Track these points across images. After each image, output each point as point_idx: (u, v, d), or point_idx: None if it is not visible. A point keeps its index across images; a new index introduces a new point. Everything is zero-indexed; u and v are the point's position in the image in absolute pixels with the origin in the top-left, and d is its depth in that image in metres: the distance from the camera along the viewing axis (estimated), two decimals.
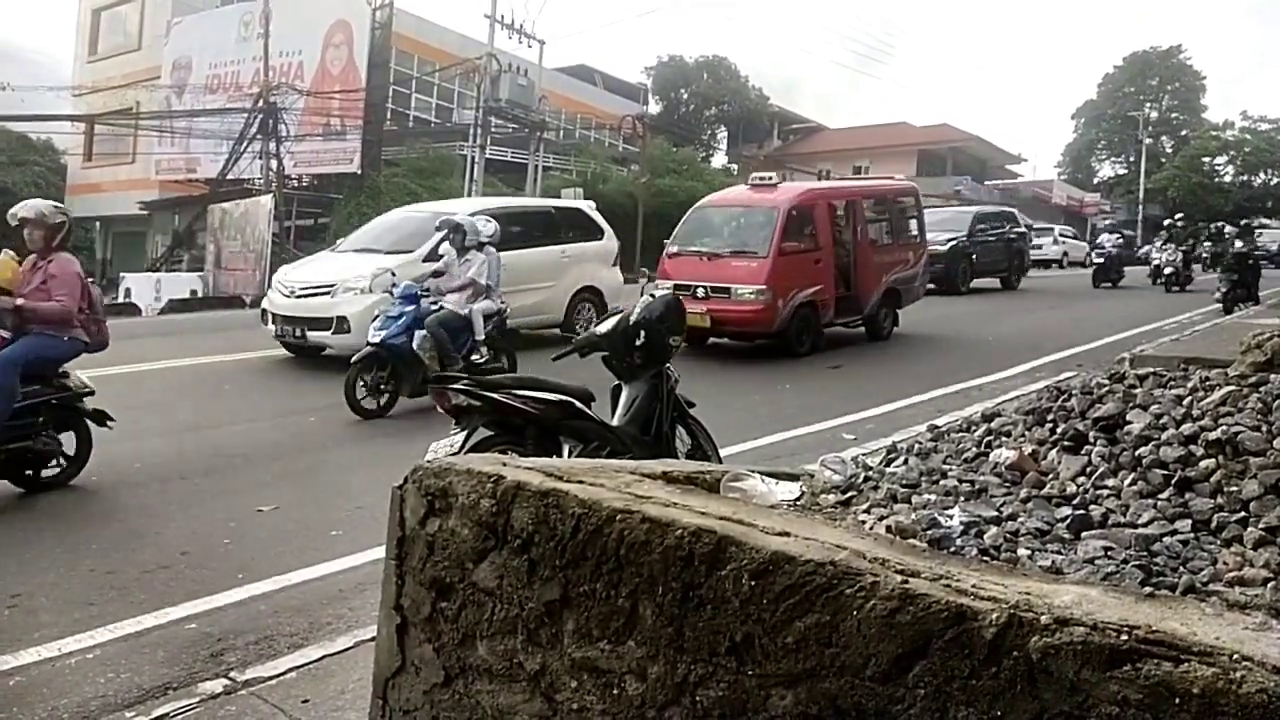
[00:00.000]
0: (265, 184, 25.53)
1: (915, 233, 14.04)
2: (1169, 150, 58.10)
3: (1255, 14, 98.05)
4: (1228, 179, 54.68)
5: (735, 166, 48.60)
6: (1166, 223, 23.48)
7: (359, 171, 25.84)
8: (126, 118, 30.12)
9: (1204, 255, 26.89)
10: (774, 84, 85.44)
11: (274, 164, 25.46)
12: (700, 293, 10.71)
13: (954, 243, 19.98)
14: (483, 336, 8.47)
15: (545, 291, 11.58)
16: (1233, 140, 54.84)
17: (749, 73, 53.74)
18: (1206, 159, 54.04)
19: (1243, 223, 28.20)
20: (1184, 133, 58.67)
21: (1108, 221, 27.40)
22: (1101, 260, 22.64)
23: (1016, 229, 22.69)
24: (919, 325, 13.50)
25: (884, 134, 48.41)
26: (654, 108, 47.27)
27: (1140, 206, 50.26)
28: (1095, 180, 61.67)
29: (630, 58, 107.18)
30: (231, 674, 3.36)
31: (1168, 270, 20.62)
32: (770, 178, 12.72)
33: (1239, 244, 23.43)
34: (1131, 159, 57.10)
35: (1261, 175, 55.02)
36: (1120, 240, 23.48)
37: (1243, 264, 15.56)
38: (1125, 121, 56.75)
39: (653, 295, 4.99)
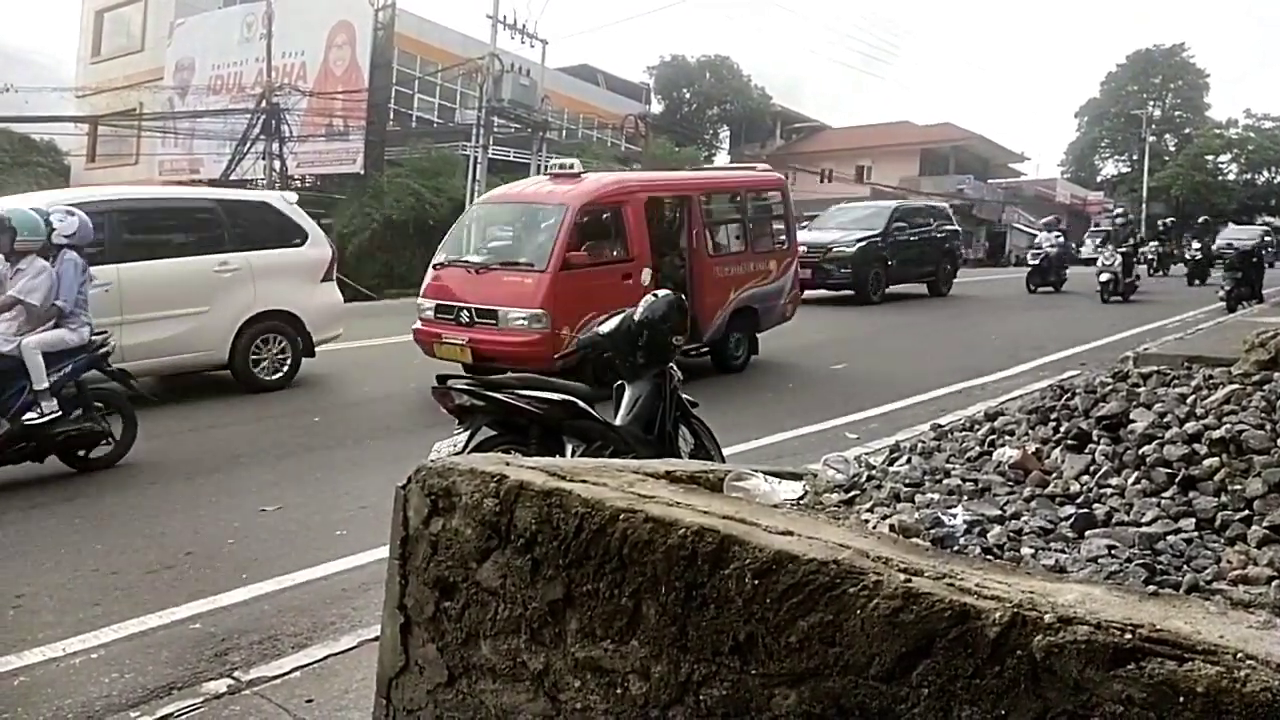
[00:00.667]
0: (268, 185, 25.55)
1: (782, 237, 11.20)
2: (1172, 149, 58.10)
3: (1255, 14, 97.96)
4: (1231, 177, 54.68)
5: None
6: (1119, 219, 20.41)
7: (362, 172, 25.88)
8: (130, 119, 30.18)
9: (1150, 257, 23.20)
10: (776, 83, 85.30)
11: (277, 165, 25.49)
12: (464, 317, 8.47)
13: (865, 243, 17.30)
14: (46, 384, 5.82)
15: (191, 319, 8.35)
16: (1236, 138, 54.85)
17: (751, 72, 53.66)
18: (1210, 157, 54.09)
19: (1202, 219, 26.84)
20: (1187, 131, 58.63)
21: (1043, 220, 24.14)
22: (1037, 262, 19.93)
23: (946, 226, 19.96)
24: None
25: (887, 133, 48.37)
26: (656, 107, 47.32)
27: (1144, 205, 50.21)
28: (1099, 179, 61.64)
29: (633, 57, 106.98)
30: (235, 674, 3.37)
31: (1103, 277, 17.46)
32: (572, 165, 9.60)
33: (1195, 244, 21.99)
34: (1135, 157, 57.03)
35: (1265, 173, 55.00)
36: (1060, 239, 20.56)
37: (1246, 262, 15.52)
38: (1128, 120, 56.68)
39: (655, 295, 4.98)
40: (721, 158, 50.21)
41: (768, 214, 11.25)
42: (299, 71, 27.69)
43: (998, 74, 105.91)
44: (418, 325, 8.95)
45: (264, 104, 25.72)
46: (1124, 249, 18.17)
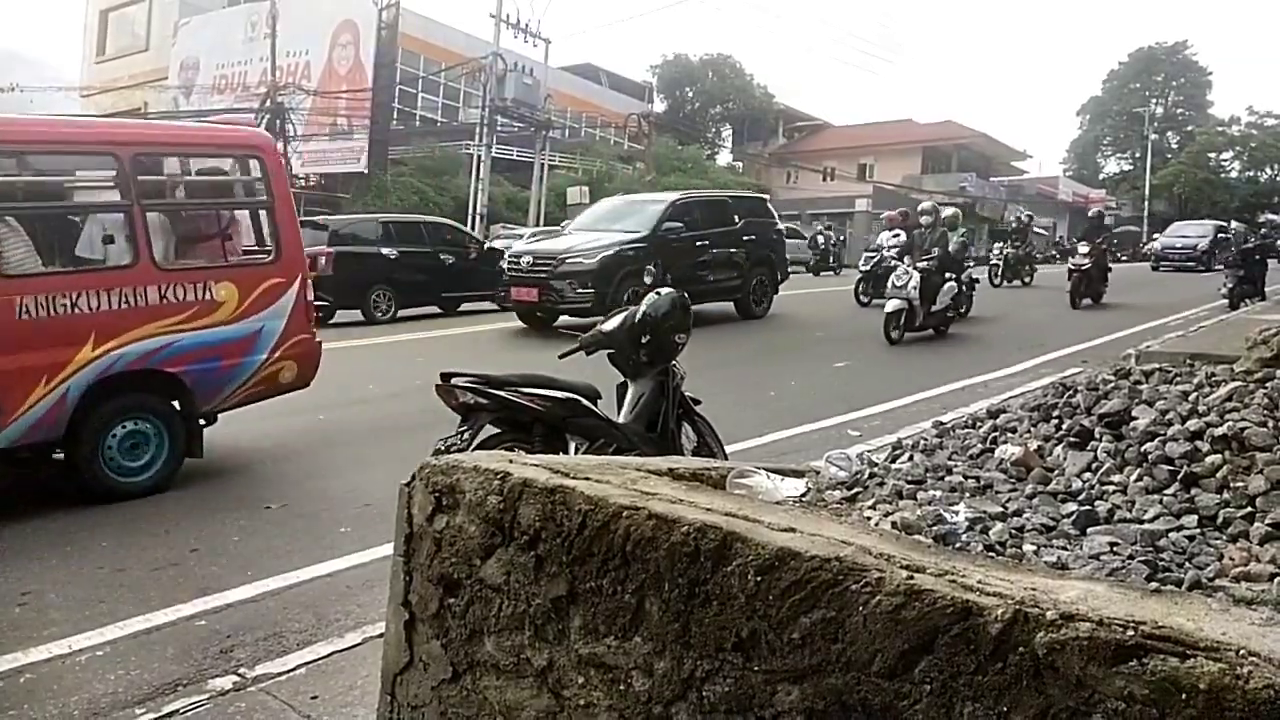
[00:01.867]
0: None
1: (261, 242, 6.49)
2: (1175, 146, 58.06)
3: (1258, 12, 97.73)
4: (1234, 174, 54.62)
5: (740, 164, 48.63)
6: (938, 214, 13.45)
7: (366, 171, 25.97)
8: (135, 119, 30.27)
9: (994, 262, 19.04)
10: (779, 82, 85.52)
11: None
12: None
13: (617, 251, 12.06)
14: None
15: None
16: (1239, 136, 54.81)
17: (754, 71, 53.90)
18: (1212, 154, 54.06)
19: (1093, 212, 20.84)
20: (1190, 128, 58.59)
21: (886, 214, 18.47)
22: (869, 267, 15.50)
23: (766, 226, 14.82)
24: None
25: (889, 131, 48.36)
26: (659, 106, 47.38)
27: (1146, 203, 50.16)
28: (1101, 176, 61.62)
29: (635, 56, 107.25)
30: (241, 670, 3.38)
31: (891, 306, 11.52)
32: None
33: (1083, 248, 16.20)
34: (1137, 155, 57.04)
35: (1268, 170, 54.93)
36: (902, 238, 14.62)
37: (1249, 259, 15.46)
38: (1131, 118, 56.68)
39: (658, 294, 4.99)
40: (724, 157, 50.25)
41: (217, 200, 6.59)
42: (303, 71, 27.77)
43: (1000, 72, 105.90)
44: None
45: (268, 103, 25.79)
46: (926, 261, 11.96)
